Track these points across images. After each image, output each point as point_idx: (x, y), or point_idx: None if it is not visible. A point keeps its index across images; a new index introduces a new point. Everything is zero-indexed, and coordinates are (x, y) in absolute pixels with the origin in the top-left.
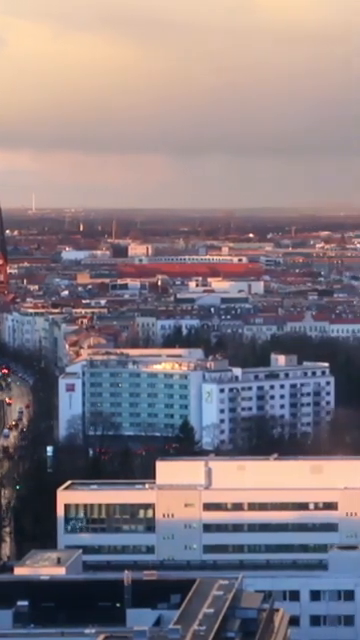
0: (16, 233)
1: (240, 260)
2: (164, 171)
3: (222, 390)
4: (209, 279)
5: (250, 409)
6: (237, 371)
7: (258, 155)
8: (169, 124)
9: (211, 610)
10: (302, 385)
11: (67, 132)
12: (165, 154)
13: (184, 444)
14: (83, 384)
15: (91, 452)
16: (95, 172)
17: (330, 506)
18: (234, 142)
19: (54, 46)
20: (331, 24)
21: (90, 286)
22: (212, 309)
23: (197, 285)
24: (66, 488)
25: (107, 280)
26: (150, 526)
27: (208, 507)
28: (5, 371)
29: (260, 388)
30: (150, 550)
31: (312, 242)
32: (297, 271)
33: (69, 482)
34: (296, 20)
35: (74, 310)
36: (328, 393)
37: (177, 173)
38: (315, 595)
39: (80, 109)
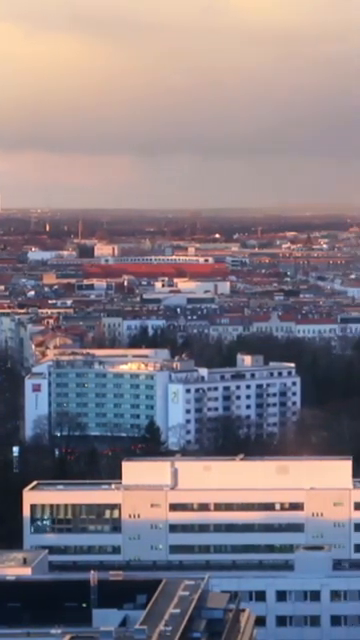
0: None
1: (206, 260)
2: (131, 171)
3: (188, 390)
4: (175, 279)
5: (216, 409)
6: (203, 371)
7: (226, 156)
8: (137, 124)
9: (177, 610)
10: (268, 385)
11: (35, 132)
12: (133, 154)
13: (150, 444)
14: (49, 384)
15: (57, 452)
16: (62, 172)
17: (296, 506)
18: (202, 143)
19: (25, 46)
20: (301, 25)
21: (56, 286)
22: (178, 309)
23: (163, 285)
24: (32, 488)
25: (73, 280)
26: (116, 526)
27: (174, 507)
28: None
29: (226, 388)
30: (116, 550)
31: (278, 242)
32: (263, 271)
33: (35, 482)
34: (266, 21)
35: (40, 310)
36: (294, 393)
37: (144, 174)
38: (281, 595)
39: (48, 109)
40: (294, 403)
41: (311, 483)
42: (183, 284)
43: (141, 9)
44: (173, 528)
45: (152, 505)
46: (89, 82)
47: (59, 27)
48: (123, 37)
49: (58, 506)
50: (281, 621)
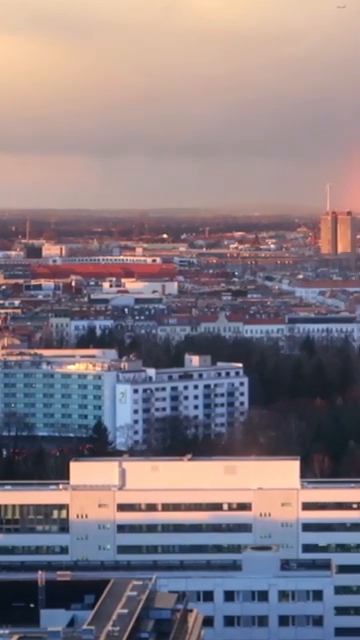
0: None
1: (154, 261)
2: (81, 172)
3: (136, 391)
4: (123, 280)
5: (164, 409)
6: (151, 372)
7: (176, 156)
8: (89, 124)
9: (125, 611)
10: (216, 386)
11: None
12: (84, 155)
13: (98, 445)
14: None
15: (5, 452)
16: (11, 172)
17: (244, 507)
18: (153, 143)
19: None
20: (257, 26)
21: (4, 286)
22: (126, 310)
23: (111, 286)
24: None
25: (21, 281)
26: (64, 527)
27: (122, 508)
28: None
29: (174, 389)
30: (64, 550)
31: (226, 242)
32: (211, 272)
33: None
34: (223, 21)
35: None
36: (242, 394)
37: (95, 174)
38: (229, 595)
39: None
40: (242, 403)
41: (259, 483)
42: (131, 284)
43: (100, 9)
44: (121, 528)
45: (100, 505)
46: (41, 81)
47: (15, 28)
48: (79, 36)
49: (6, 506)
50: (229, 621)
